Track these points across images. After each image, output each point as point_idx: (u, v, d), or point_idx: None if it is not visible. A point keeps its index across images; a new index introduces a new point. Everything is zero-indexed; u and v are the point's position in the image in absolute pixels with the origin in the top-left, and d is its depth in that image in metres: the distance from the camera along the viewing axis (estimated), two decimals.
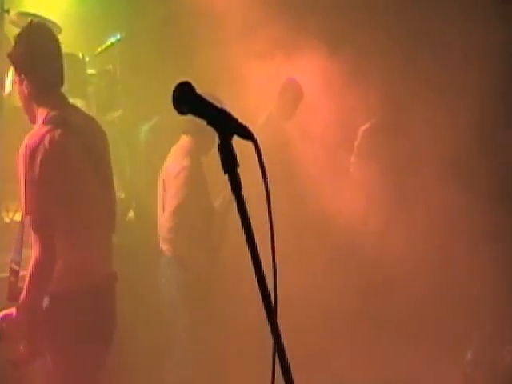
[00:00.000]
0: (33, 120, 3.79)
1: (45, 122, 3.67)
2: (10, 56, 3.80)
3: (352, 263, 6.79)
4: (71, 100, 6.56)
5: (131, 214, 7.08)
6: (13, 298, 3.75)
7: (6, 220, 6.41)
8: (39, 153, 3.54)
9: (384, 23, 7.87)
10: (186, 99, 1.82)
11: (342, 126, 7.30)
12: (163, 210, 5.44)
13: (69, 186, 3.66)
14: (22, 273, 3.84)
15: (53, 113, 3.70)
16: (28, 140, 3.59)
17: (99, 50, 7.41)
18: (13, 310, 3.64)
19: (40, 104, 3.74)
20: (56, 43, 3.84)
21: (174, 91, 1.84)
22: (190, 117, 1.84)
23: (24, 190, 3.57)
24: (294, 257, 6.00)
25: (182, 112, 1.83)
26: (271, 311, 1.76)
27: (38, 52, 3.74)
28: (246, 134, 1.78)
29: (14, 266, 3.85)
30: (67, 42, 7.40)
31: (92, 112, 6.95)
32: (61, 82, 3.85)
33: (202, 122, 1.80)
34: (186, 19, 8.32)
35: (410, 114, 7.13)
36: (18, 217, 6.47)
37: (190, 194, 5.31)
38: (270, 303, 1.76)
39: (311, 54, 7.48)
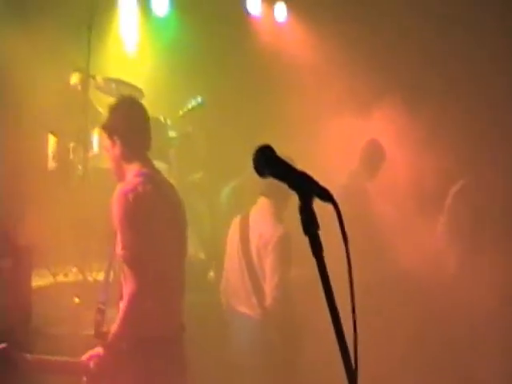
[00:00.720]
0: (121, 178, 4.14)
1: (137, 175, 4.05)
2: (105, 124, 4.24)
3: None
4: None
5: (211, 273, 7.11)
6: (99, 335, 3.95)
7: (90, 279, 6.53)
8: (133, 197, 3.91)
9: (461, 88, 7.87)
10: (267, 162, 1.84)
11: (420, 186, 7.28)
12: (250, 276, 5.41)
13: (154, 235, 3.97)
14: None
15: (144, 170, 4.10)
16: (123, 187, 4.00)
17: (180, 113, 7.56)
18: (99, 350, 3.85)
19: (130, 163, 4.12)
20: (145, 112, 4.31)
21: (255, 154, 1.86)
22: (270, 179, 1.86)
23: (119, 229, 3.90)
24: (375, 319, 5.93)
25: (262, 175, 1.85)
26: (352, 372, 1.74)
27: (132, 120, 4.22)
28: (326, 196, 1.79)
29: (101, 306, 4.10)
30: (149, 105, 7.59)
31: (173, 174, 7.09)
32: (148, 146, 4.27)
33: (282, 184, 1.81)
34: (263, 81, 8.49)
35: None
36: (100, 276, 6.61)
37: (289, 265, 5.33)
38: (351, 364, 1.74)
39: (390, 112, 7.51)
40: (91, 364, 3.85)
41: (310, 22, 9.09)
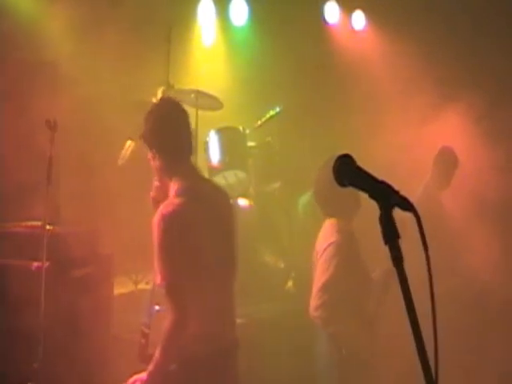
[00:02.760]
0: (166, 192, 3.90)
1: (177, 194, 3.79)
2: (142, 135, 3.95)
3: None
4: (232, 171, 6.90)
5: (290, 283, 7.12)
6: (143, 359, 3.90)
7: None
8: (173, 222, 3.68)
9: None
10: (347, 172, 1.84)
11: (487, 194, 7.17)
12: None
13: (198, 255, 3.75)
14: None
15: (185, 184, 3.83)
16: (163, 209, 3.72)
17: (259, 122, 7.59)
18: (144, 375, 3.75)
19: (172, 176, 3.86)
20: (182, 114, 3.96)
21: (335, 163, 1.87)
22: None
23: (157, 256, 3.72)
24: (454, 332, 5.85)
25: (342, 184, 1.86)
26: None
27: (166, 128, 3.88)
28: (407, 206, 1.78)
29: (145, 329, 4.06)
30: (228, 115, 7.73)
31: (252, 183, 7.14)
32: (190, 151, 3.96)
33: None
34: (341, 90, 8.48)
35: None
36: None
37: (338, 269, 5.11)
38: (431, 375, 1.73)
39: (467, 117, 7.43)
40: None
41: (387, 30, 9.04)
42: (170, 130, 3.88)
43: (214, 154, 6.99)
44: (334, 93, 8.68)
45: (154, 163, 3.91)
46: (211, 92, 7.40)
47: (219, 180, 6.98)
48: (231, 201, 4.25)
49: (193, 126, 6.97)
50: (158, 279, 3.71)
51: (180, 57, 7.83)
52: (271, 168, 7.52)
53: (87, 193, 6.32)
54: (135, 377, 3.81)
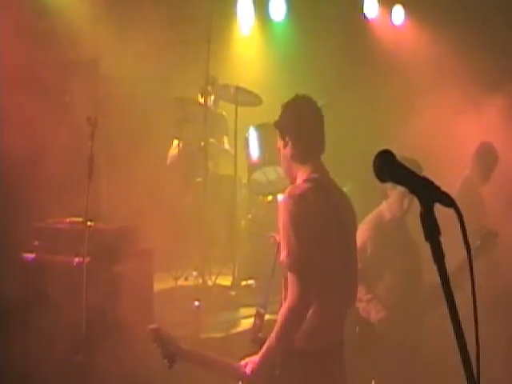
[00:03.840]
0: (292, 180, 4.00)
1: (307, 180, 3.87)
2: (277, 122, 4.08)
3: None
4: (272, 167, 6.90)
5: None
6: (256, 340, 3.87)
7: (210, 283, 6.66)
8: (301, 202, 3.73)
9: None
10: (388, 167, 1.82)
11: None
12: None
13: (320, 243, 3.76)
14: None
15: (314, 175, 3.90)
16: (291, 190, 3.82)
17: None
18: (256, 358, 3.75)
19: (302, 165, 3.95)
20: (319, 114, 4.08)
21: (375, 159, 1.84)
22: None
23: (283, 234, 3.74)
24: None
25: (383, 180, 1.83)
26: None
27: (305, 119, 4.01)
28: (448, 202, 1.75)
29: (260, 310, 4.00)
30: (268, 111, 7.67)
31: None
32: (321, 149, 4.05)
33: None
34: (380, 84, 8.43)
35: None
36: (219, 280, 6.73)
37: (378, 260, 5.26)
38: (473, 375, 1.71)
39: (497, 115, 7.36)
40: (247, 370, 3.75)
41: (426, 25, 8.97)
42: (308, 122, 4.02)
43: (254, 150, 7.00)
44: (372, 87, 8.63)
45: (284, 151, 4.00)
46: (251, 88, 7.41)
47: (259, 176, 6.99)
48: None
49: (232, 121, 7.13)
50: (283, 255, 3.71)
51: (220, 53, 7.87)
52: None
53: (128, 189, 6.36)
54: (247, 359, 3.81)
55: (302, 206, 3.72)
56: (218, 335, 5.76)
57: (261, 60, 9.06)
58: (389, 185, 5.20)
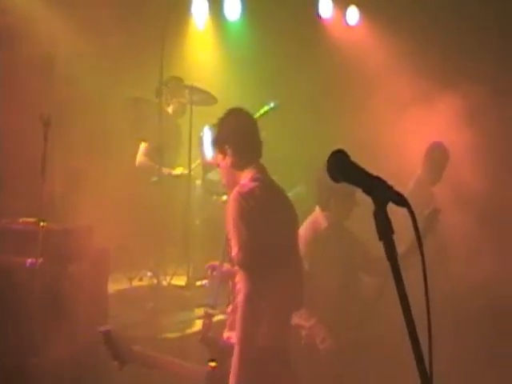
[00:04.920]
0: (231, 186, 4.17)
1: (253, 180, 4.08)
2: (215, 137, 4.33)
3: None
4: None
5: None
6: (205, 340, 3.98)
7: (164, 284, 6.64)
8: (249, 199, 3.96)
9: None
10: (341, 167, 1.84)
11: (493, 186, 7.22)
12: None
13: (269, 237, 3.95)
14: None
15: (259, 175, 4.12)
16: (240, 189, 4.02)
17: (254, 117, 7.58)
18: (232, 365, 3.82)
19: (243, 170, 4.15)
20: (253, 120, 4.41)
21: (329, 159, 1.85)
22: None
23: (233, 231, 3.92)
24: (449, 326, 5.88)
25: (336, 180, 1.85)
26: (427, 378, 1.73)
27: (242, 127, 4.27)
28: (401, 201, 1.78)
29: (209, 310, 4.13)
30: (222, 111, 7.71)
31: None
32: (259, 153, 4.28)
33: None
34: (334, 84, 8.50)
35: None
36: (174, 280, 6.72)
37: (312, 263, 5.15)
38: (426, 370, 1.73)
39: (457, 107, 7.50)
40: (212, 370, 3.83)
41: (381, 25, 9.06)
42: (245, 129, 4.28)
43: (209, 150, 6.99)
44: (327, 87, 8.68)
45: (224, 162, 4.20)
46: (205, 87, 7.40)
47: (214, 176, 6.97)
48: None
49: (187, 121, 7.11)
50: (234, 251, 3.88)
51: (174, 53, 7.83)
52: (265, 163, 7.50)
53: (83, 190, 6.31)
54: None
55: (251, 202, 3.93)
56: (174, 335, 5.75)
57: (215, 59, 9.05)
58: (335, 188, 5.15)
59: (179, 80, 7.48)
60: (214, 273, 4.23)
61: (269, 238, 3.92)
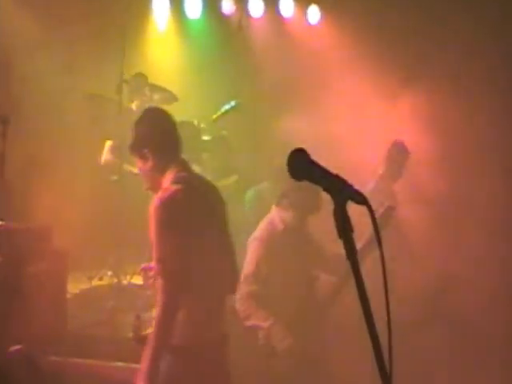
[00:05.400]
0: (156, 189, 4.02)
1: (174, 181, 3.94)
2: (132, 143, 4.11)
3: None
4: None
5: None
6: (138, 340, 3.97)
7: (125, 283, 6.61)
8: (171, 205, 3.82)
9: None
10: (301, 166, 1.85)
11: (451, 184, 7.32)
12: None
13: (192, 240, 3.86)
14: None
15: (180, 174, 3.99)
16: (160, 195, 3.87)
17: (214, 116, 7.60)
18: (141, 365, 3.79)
19: (165, 171, 4.01)
20: (169, 117, 4.22)
21: (289, 158, 1.86)
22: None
23: (154, 240, 3.81)
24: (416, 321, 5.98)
25: (297, 178, 1.86)
26: (386, 377, 1.75)
27: (158, 126, 4.13)
28: (360, 199, 1.80)
29: (138, 312, 4.15)
30: (183, 109, 7.71)
31: (207, 178, 7.12)
32: (180, 149, 4.15)
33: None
34: (295, 82, 8.52)
35: None
36: (134, 279, 6.69)
37: (261, 263, 5.17)
38: (386, 373, 1.75)
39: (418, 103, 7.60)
40: (137, 379, 3.80)
41: (342, 24, 9.11)
42: (161, 127, 4.13)
43: None
44: (289, 85, 8.69)
45: (146, 166, 4.05)
46: (166, 86, 7.38)
47: None
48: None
49: None
50: (154, 261, 3.82)
51: (135, 50, 7.79)
52: (226, 162, 7.53)
53: (42, 189, 6.25)
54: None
55: (171, 209, 3.82)
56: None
57: (176, 58, 9.01)
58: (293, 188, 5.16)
59: (143, 77, 7.44)
60: (150, 273, 4.14)
61: (190, 244, 3.86)
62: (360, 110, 8.12)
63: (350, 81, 8.30)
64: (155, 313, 3.79)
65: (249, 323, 5.10)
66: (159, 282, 3.79)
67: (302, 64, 8.80)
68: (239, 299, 5.11)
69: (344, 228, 1.79)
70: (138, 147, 4.07)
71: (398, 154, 7.19)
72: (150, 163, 4.03)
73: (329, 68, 8.61)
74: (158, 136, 4.09)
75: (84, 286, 6.60)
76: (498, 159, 7.76)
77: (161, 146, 4.07)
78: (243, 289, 5.09)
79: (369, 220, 1.83)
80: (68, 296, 5.78)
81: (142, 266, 4.26)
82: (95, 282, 6.70)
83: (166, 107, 7.25)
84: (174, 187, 3.90)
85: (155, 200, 3.87)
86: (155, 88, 7.21)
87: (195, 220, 3.92)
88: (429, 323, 6.50)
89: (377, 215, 5.20)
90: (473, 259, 6.74)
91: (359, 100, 8.22)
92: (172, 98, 7.44)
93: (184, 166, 4.11)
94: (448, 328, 6.61)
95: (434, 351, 6.33)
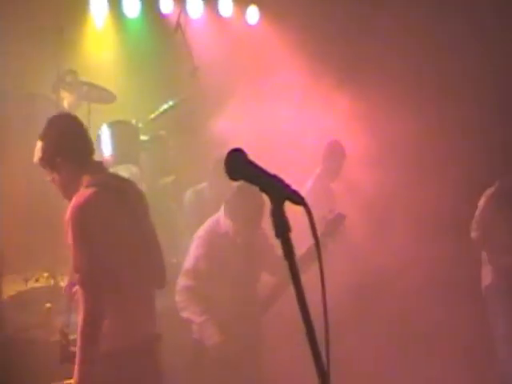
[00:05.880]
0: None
1: (88, 185, 3.86)
2: (41, 156, 4.00)
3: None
4: (124, 166, 6.84)
5: None
6: (66, 359, 3.86)
7: (62, 284, 6.51)
8: (86, 211, 3.75)
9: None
10: (238, 166, 1.86)
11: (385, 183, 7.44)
12: None
13: (110, 249, 3.81)
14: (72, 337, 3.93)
15: (94, 176, 3.92)
16: (75, 201, 3.79)
17: (152, 116, 7.56)
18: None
19: (80, 178, 3.91)
20: (77, 121, 4.13)
21: (226, 157, 1.87)
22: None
23: (71, 249, 3.74)
24: (348, 319, 6.03)
25: (234, 178, 1.86)
26: (324, 375, 1.76)
27: (64, 131, 4.02)
28: (298, 199, 1.82)
29: (64, 329, 4.00)
30: (121, 108, 7.65)
31: (145, 177, 7.07)
32: (91, 151, 4.06)
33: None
34: (232, 83, 8.53)
35: None
36: None
37: (200, 259, 5.22)
38: (323, 367, 1.76)
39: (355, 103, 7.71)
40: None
41: (281, 24, 9.14)
42: (74, 135, 4.02)
43: (106, 148, 6.92)
44: (226, 84, 8.69)
45: (60, 176, 3.96)
46: (104, 85, 7.31)
47: None
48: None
49: (85, 119, 6.99)
50: (74, 270, 3.74)
51: (72, 49, 7.69)
52: (164, 162, 7.51)
53: None
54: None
55: (85, 214, 3.75)
56: (71, 337, 5.64)
57: (114, 57, 8.91)
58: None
59: (74, 73, 7.33)
60: (74, 289, 3.98)
61: (110, 248, 3.80)
62: (298, 109, 8.18)
63: (289, 80, 8.36)
64: (78, 324, 3.70)
65: (184, 315, 5.18)
66: (79, 291, 3.73)
67: (240, 64, 8.81)
68: (178, 291, 5.21)
69: (281, 228, 1.80)
70: (49, 157, 3.96)
71: (335, 153, 7.27)
72: (63, 172, 3.94)
73: (267, 68, 8.64)
74: (70, 142, 3.98)
75: (20, 287, 6.48)
76: (434, 161, 7.92)
77: (74, 152, 3.96)
78: (181, 282, 5.22)
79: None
80: (4, 298, 5.68)
81: (65, 284, 4.21)
82: (31, 284, 6.58)
83: (104, 106, 7.31)
84: (88, 191, 3.83)
85: (69, 207, 3.80)
86: (92, 86, 7.13)
87: (113, 221, 3.87)
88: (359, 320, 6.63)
89: (324, 222, 5.25)
90: (403, 258, 6.88)
91: (297, 99, 8.28)
92: (110, 97, 7.37)
93: (98, 168, 4.05)
94: (378, 326, 6.74)
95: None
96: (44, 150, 3.99)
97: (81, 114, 7.53)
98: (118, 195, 3.95)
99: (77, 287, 3.86)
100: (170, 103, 7.45)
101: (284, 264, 1.81)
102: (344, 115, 7.92)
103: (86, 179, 3.89)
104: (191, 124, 8.14)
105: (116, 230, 3.87)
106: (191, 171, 7.60)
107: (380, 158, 7.72)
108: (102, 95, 7.28)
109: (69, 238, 3.75)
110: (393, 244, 7.07)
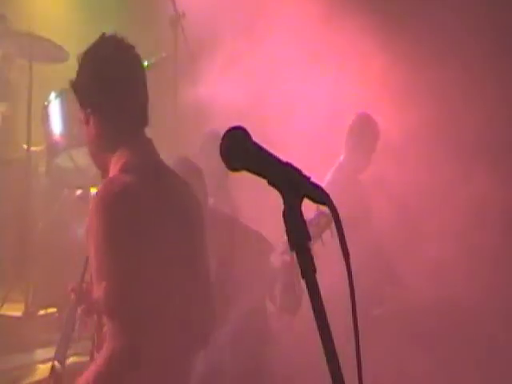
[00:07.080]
0: (104, 172, 3.61)
1: (125, 170, 3.47)
2: (74, 83, 3.63)
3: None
4: (83, 149, 6.83)
5: None
6: None
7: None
8: (119, 206, 3.35)
9: None
10: (240, 151, 1.74)
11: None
12: None
13: (155, 255, 3.37)
14: None
15: (134, 160, 3.52)
16: (106, 188, 3.44)
17: None
18: None
19: (115, 149, 3.55)
20: (136, 62, 3.70)
21: (223, 140, 1.75)
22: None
23: (97, 255, 3.30)
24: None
25: (233, 168, 1.76)
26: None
27: (110, 76, 3.55)
28: (321, 197, 1.75)
29: (57, 365, 3.67)
30: (74, 71, 7.66)
31: None
32: (143, 119, 3.66)
33: None
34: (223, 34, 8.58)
35: None
36: (6, 309, 6.66)
37: None
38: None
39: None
40: None
41: None
42: (116, 84, 3.57)
43: (57, 125, 6.82)
44: (219, 37, 8.71)
45: (88, 128, 3.62)
46: (51, 37, 7.30)
47: (64, 161, 6.84)
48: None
49: (26, 84, 7.00)
50: (98, 289, 3.26)
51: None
52: None
53: None
54: None
55: (122, 210, 3.33)
56: None
57: (66, 9, 8.96)
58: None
59: (3, 19, 7.32)
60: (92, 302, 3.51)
61: (153, 261, 3.32)
62: (307, 65, 8.09)
63: (297, 18, 8.32)
64: (91, 369, 3.24)
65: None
66: (108, 318, 3.26)
67: (237, 8, 8.80)
68: None
69: (298, 237, 1.72)
70: (80, 96, 3.62)
71: (364, 133, 6.94)
72: (92, 129, 3.58)
73: (269, 16, 8.63)
74: (108, 89, 3.53)
75: None
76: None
77: (110, 108, 3.54)
78: None
79: None
80: None
81: (71, 286, 3.69)
82: None
83: (52, 68, 7.32)
84: (125, 178, 3.40)
85: (95, 196, 3.41)
86: (37, 40, 7.08)
87: (156, 226, 3.42)
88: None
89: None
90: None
91: (307, 50, 8.18)
92: (61, 54, 7.33)
93: (144, 146, 3.62)
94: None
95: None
96: (77, 79, 3.63)
97: (18, 79, 7.62)
98: (168, 192, 3.57)
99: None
100: (145, 63, 7.47)
101: None
102: (376, 81, 7.89)
103: (122, 158, 3.51)
104: (172, 91, 8.15)
105: (159, 238, 3.43)
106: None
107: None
108: (49, 52, 7.27)
109: (89, 244, 3.32)
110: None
